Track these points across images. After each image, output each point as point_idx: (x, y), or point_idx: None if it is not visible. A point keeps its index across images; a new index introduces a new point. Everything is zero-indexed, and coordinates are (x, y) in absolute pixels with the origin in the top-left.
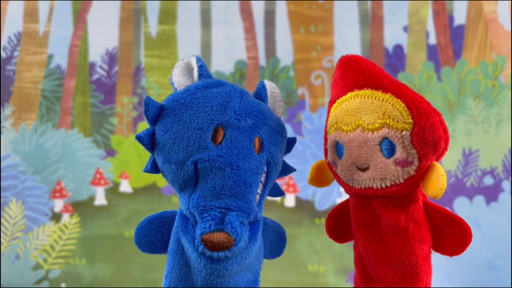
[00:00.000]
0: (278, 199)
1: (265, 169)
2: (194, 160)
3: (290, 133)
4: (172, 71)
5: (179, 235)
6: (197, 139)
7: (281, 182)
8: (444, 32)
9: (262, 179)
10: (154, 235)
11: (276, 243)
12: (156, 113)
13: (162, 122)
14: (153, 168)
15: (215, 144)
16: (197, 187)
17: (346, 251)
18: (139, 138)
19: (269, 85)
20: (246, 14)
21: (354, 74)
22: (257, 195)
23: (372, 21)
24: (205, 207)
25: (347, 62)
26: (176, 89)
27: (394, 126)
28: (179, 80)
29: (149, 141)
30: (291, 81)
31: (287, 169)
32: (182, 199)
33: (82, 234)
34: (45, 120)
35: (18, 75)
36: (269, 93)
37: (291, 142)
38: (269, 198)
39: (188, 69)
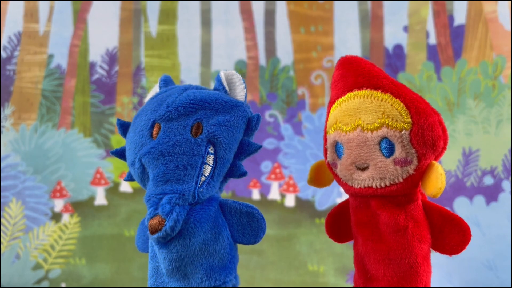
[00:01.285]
0: (278, 199)
1: (211, 150)
2: (139, 158)
3: (290, 133)
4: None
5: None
6: (140, 139)
7: (281, 182)
8: (444, 32)
9: (210, 160)
10: (144, 234)
11: (248, 225)
12: (124, 130)
13: (127, 136)
14: (129, 176)
15: (153, 139)
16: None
17: (346, 251)
18: (113, 153)
19: (225, 73)
20: (246, 14)
21: (354, 75)
22: (203, 177)
23: (372, 21)
24: (149, 197)
25: (347, 63)
26: None
27: (393, 126)
28: (146, 100)
29: (121, 155)
30: (291, 81)
31: (250, 147)
32: None
33: (82, 234)
34: (45, 120)
35: (18, 75)
36: (225, 81)
37: (253, 120)
38: (270, 197)
39: (156, 89)
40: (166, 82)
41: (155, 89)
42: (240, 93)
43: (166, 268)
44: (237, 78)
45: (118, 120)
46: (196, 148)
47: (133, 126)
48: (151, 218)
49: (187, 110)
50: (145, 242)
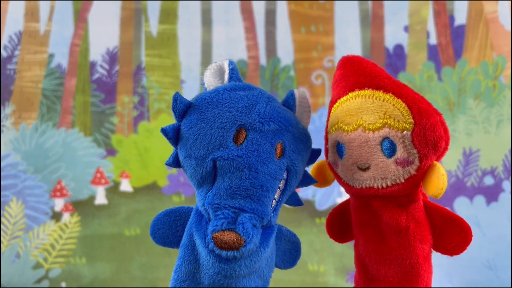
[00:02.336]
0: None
1: (285, 176)
2: (213, 158)
3: None
4: (204, 72)
5: (192, 231)
6: (219, 138)
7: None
8: (445, 32)
9: (281, 185)
10: (168, 228)
11: (289, 253)
12: (183, 109)
13: (187, 118)
14: (175, 162)
15: (236, 145)
16: (214, 185)
17: (346, 251)
18: (164, 131)
19: (298, 94)
20: (247, 14)
21: (355, 74)
22: (274, 201)
23: (372, 21)
24: (219, 205)
25: (348, 62)
26: (205, 89)
27: (395, 126)
28: (210, 81)
29: (173, 135)
30: (291, 80)
31: (308, 180)
32: (199, 196)
33: (83, 233)
34: (45, 119)
35: (19, 74)
36: (297, 102)
37: (315, 154)
38: None
39: (220, 71)
40: (237, 73)
41: (218, 71)
42: (306, 119)
43: (215, 281)
44: (307, 104)
45: (179, 95)
46: (278, 172)
47: (205, 115)
48: (223, 231)
49: (276, 127)
50: (168, 237)
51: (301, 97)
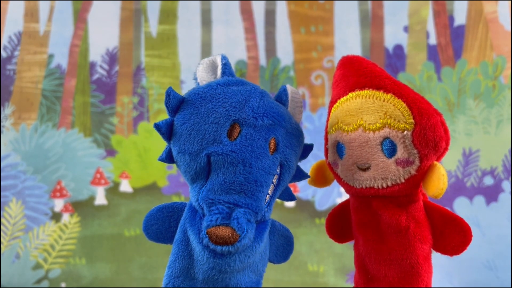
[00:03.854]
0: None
1: (278, 171)
2: (207, 153)
3: None
4: (196, 67)
5: (186, 226)
6: (213, 133)
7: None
8: (445, 32)
9: (274, 180)
10: (162, 224)
11: (282, 247)
12: (176, 104)
13: (181, 114)
14: (168, 157)
15: (230, 140)
16: (208, 180)
17: (346, 251)
18: (157, 127)
19: (290, 89)
20: (247, 14)
21: (356, 75)
22: (267, 196)
23: (372, 21)
24: (213, 201)
25: (348, 63)
26: (198, 84)
27: (396, 126)
28: (203, 75)
29: (166, 130)
30: (291, 81)
31: (300, 175)
32: (193, 191)
33: (82, 234)
34: (45, 119)
35: (19, 75)
36: (290, 98)
37: (308, 149)
38: None
39: (213, 66)
40: (230, 68)
41: (210, 66)
42: (298, 115)
43: (208, 276)
44: (300, 99)
45: (172, 90)
46: (272, 167)
47: (199, 110)
48: (218, 226)
49: (269, 122)
50: (161, 233)
51: (293, 92)
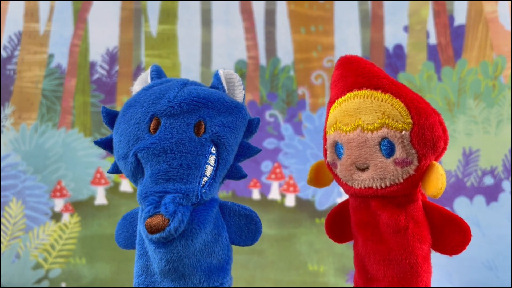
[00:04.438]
0: (278, 198)
1: (214, 150)
2: (134, 152)
3: (290, 132)
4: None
5: (139, 226)
6: (136, 132)
7: (282, 181)
8: (445, 32)
9: (212, 161)
10: (127, 230)
11: (246, 227)
12: (110, 119)
13: (115, 126)
14: (114, 169)
15: (152, 134)
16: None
17: (346, 251)
18: (96, 143)
19: (224, 72)
20: (247, 14)
21: (354, 75)
22: (205, 177)
23: (372, 21)
24: (146, 194)
25: (347, 63)
26: None
27: (394, 126)
28: (136, 89)
29: (105, 145)
30: (291, 81)
31: (249, 150)
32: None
33: (83, 234)
34: (45, 119)
35: (19, 75)
36: (224, 80)
37: (253, 123)
38: (270, 197)
39: (145, 77)
40: (158, 73)
41: (143, 78)
42: (239, 94)
43: (161, 268)
44: (237, 78)
45: (104, 107)
46: (200, 148)
47: (125, 116)
48: (151, 216)
49: (189, 107)
50: (128, 239)
51: (228, 74)
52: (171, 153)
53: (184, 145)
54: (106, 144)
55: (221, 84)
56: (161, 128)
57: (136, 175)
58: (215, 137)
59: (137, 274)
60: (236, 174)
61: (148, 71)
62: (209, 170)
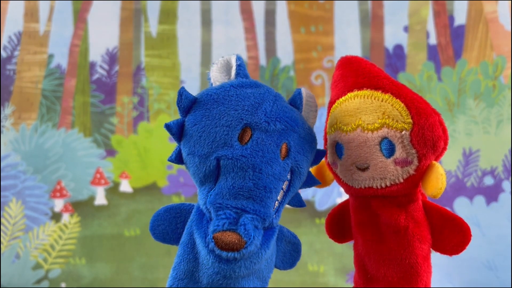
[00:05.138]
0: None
1: (289, 176)
2: (217, 156)
3: None
4: (210, 67)
5: (192, 229)
6: (224, 136)
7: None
8: (445, 32)
9: (284, 186)
10: (168, 225)
11: (289, 254)
12: (188, 105)
13: (192, 115)
14: (177, 158)
15: (241, 144)
16: (217, 183)
17: (346, 251)
18: (168, 127)
19: (305, 93)
20: (247, 14)
21: (354, 75)
22: (276, 202)
23: (372, 21)
24: (221, 205)
25: (347, 63)
26: (211, 84)
27: (394, 126)
28: (216, 76)
29: (177, 130)
30: (291, 81)
31: (311, 181)
32: (201, 194)
33: (82, 234)
34: (45, 119)
35: (19, 75)
36: (304, 101)
37: (320, 154)
38: None
39: (227, 66)
40: (244, 69)
41: (225, 67)
42: (312, 119)
43: (213, 281)
44: (315, 103)
45: (184, 90)
46: (282, 173)
47: (210, 111)
48: (225, 231)
49: (281, 127)
50: (168, 234)
51: (308, 96)
52: (259, 173)
53: (272, 167)
54: (177, 129)
55: (302, 104)
56: (252, 141)
57: (207, 178)
58: (294, 164)
59: (179, 277)
60: (296, 202)
61: (233, 62)
62: (280, 195)
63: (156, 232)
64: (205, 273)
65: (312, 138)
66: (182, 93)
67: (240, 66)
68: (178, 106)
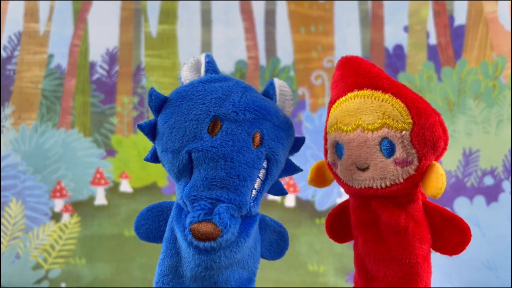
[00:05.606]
0: (278, 199)
1: (265, 165)
2: (188, 150)
3: None
4: (181, 67)
5: (173, 224)
6: (193, 130)
7: (281, 182)
8: (445, 32)
9: (261, 175)
10: (151, 223)
11: (276, 243)
12: (158, 104)
13: (163, 113)
14: (153, 157)
15: (211, 136)
16: (191, 177)
17: (346, 251)
18: (140, 127)
19: (278, 83)
20: (247, 14)
21: (354, 75)
22: (254, 190)
23: (372, 21)
24: (196, 197)
25: (347, 63)
26: (182, 84)
27: (394, 126)
28: (187, 75)
29: (150, 130)
30: (291, 81)
31: (292, 168)
32: (178, 189)
33: (82, 234)
34: (45, 119)
35: (19, 75)
36: (278, 91)
37: (299, 142)
38: (270, 197)
39: (197, 65)
40: (214, 65)
41: (195, 66)
42: (288, 108)
43: (195, 273)
44: (289, 92)
45: (153, 89)
46: (256, 161)
47: (179, 108)
48: (200, 222)
49: (252, 116)
50: (151, 232)
51: (282, 86)
52: (231, 162)
53: (244, 155)
54: (149, 129)
55: (275, 94)
56: (222, 132)
57: (182, 172)
58: (269, 152)
59: (163, 272)
60: (277, 190)
61: (202, 60)
62: (258, 184)
63: (141, 232)
64: (188, 267)
65: (287, 126)
66: (152, 93)
67: (209, 63)
68: (150, 107)
